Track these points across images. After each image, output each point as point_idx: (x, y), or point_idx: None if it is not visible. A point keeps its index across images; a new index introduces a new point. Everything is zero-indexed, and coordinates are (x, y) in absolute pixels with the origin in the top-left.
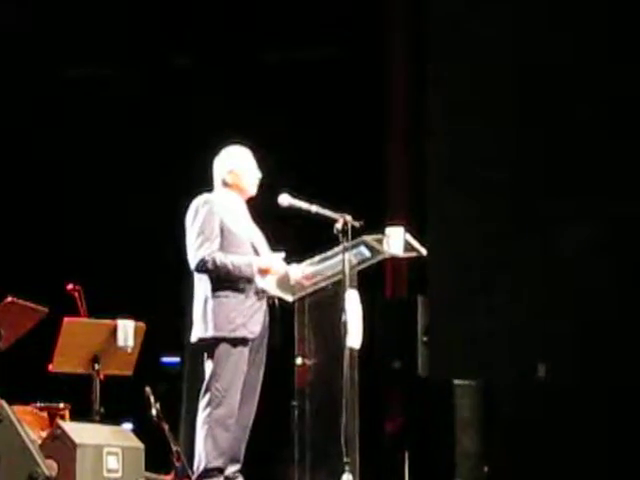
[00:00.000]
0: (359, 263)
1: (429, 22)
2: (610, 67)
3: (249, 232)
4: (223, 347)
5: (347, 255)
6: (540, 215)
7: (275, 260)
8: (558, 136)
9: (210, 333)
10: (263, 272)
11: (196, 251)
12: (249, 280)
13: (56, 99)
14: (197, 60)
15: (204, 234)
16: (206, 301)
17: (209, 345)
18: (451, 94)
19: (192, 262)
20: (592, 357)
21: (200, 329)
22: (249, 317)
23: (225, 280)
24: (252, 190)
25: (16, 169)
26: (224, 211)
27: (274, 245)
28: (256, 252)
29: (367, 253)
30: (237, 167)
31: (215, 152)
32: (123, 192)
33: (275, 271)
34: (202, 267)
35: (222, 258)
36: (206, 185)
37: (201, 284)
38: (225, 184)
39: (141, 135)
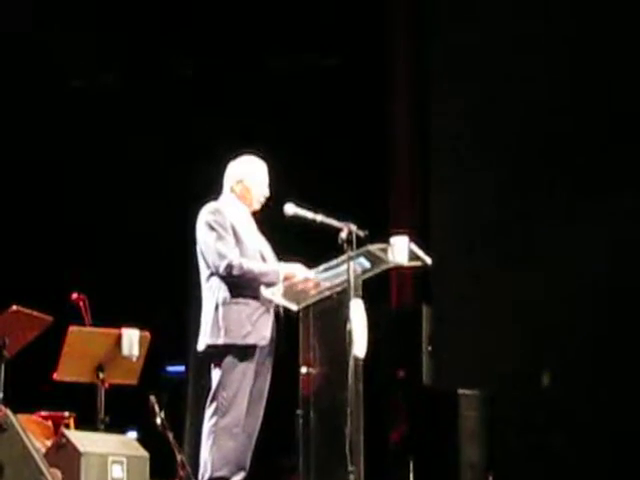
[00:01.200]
0: (363, 272)
1: (431, 28)
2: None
3: (257, 241)
4: (232, 355)
5: (352, 264)
6: (545, 218)
7: (302, 272)
8: (559, 136)
9: (221, 340)
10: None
11: (221, 256)
12: (269, 286)
13: (58, 107)
14: (199, 68)
15: (224, 240)
16: (217, 308)
17: (218, 353)
18: (455, 100)
19: (219, 267)
20: (597, 367)
21: (210, 336)
22: (259, 325)
23: (239, 287)
24: (256, 206)
25: (18, 177)
26: (233, 219)
27: (279, 254)
28: (264, 261)
29: (367, 264)
30: (247, 179)
31: (217, 160)
32: (126, 201)
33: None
34: (230, 272)
35: (249, 264)
36: (209, 193)
37: (211, 292)
38: (232, 191)
39: (143, 143)
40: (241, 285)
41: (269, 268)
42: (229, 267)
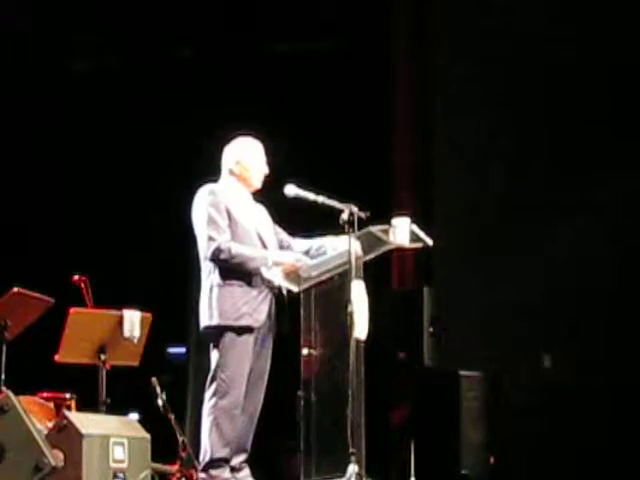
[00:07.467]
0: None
1: (435, 15)
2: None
3: (255, 222)
4: (228, 336)
5: (353, 245)
6: (545, 205)
7: (292, 257)
8: (561, 126)
9: (215, 321)
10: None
11: (210, 240)
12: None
13: (58, 91)
14: (199, 52)
15: (215, 223)
16: (212, 290)
17: (214, 334)
18: (457, 85)
19: (207, 250)
20: (599, 348)
21: (206, 317)
22: (255, 306)
23: (233, 270)
24: (257, 184)
25: (19, 160)
26: (229, 201)
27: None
28: (262, 242)
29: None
30: (244, 158)
31: (217, 144)
32: (127, 183)
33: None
34: (217, 255)
35: (237, 248)
36: (209, 176)
37: (207, 274)
38: (231, 173)
39: (143, 127)
40: (232, 268)
41: (258, 253)
42: (217, 250)
